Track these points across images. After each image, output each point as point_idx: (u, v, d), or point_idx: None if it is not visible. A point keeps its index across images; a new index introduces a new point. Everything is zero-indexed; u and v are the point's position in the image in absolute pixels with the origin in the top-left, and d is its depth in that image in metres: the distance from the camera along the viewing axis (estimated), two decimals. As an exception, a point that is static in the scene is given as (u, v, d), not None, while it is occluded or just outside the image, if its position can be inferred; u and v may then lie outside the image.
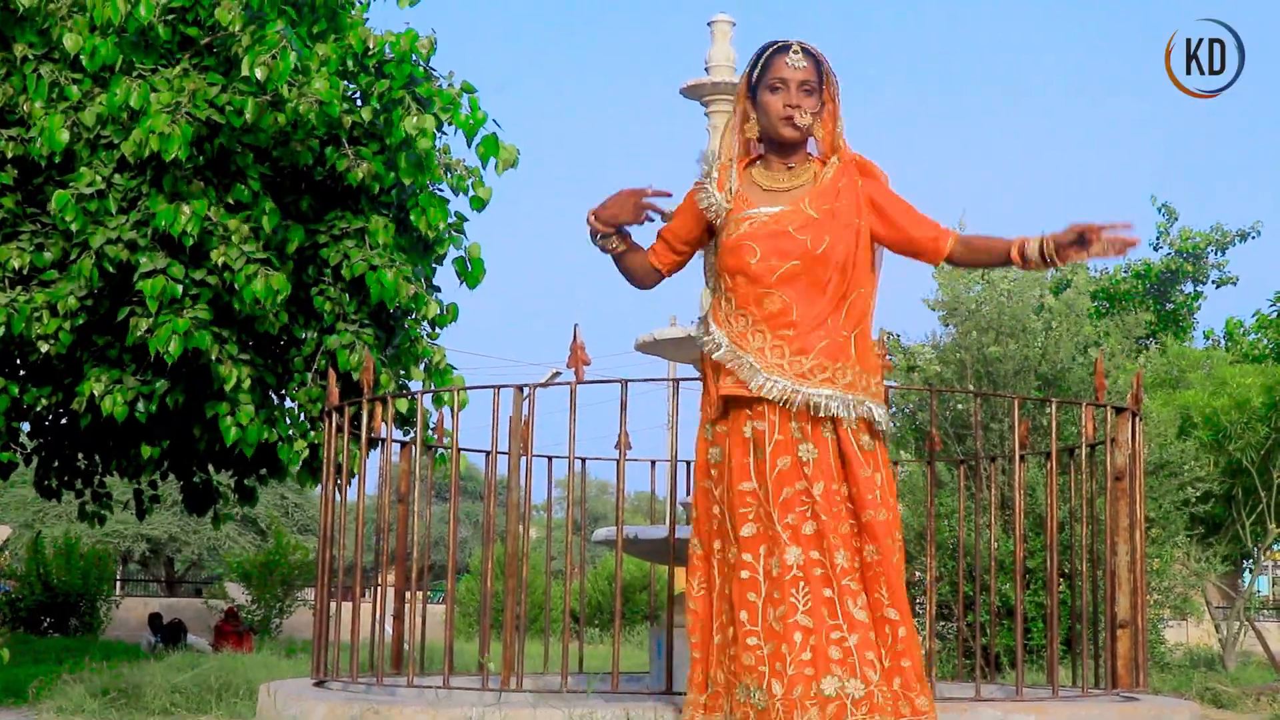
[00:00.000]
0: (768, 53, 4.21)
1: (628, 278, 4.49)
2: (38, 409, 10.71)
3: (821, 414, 4.08)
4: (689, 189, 4.40)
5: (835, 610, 3.97)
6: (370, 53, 9.81)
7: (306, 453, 10.29)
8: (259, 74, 8.82)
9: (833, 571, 3.99)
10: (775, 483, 4.05)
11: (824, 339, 4.11)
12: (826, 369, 4.11)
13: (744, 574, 4.04)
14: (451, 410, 8.87)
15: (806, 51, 4.18)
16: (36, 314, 9.41)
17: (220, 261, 9.20)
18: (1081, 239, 4.10)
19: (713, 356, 4.19)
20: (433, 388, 10.38)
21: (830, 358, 4.12)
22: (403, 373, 10.54)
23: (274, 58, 8.83)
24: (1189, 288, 25.67)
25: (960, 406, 13.34)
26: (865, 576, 4.05)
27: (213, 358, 9.28)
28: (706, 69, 9.55)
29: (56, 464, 11.91)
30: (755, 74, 4.23)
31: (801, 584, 3.97)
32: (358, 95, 10.19)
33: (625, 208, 4.32)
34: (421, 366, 10.66)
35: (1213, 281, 25.70)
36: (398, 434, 9.05)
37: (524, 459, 5.66)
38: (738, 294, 4.18)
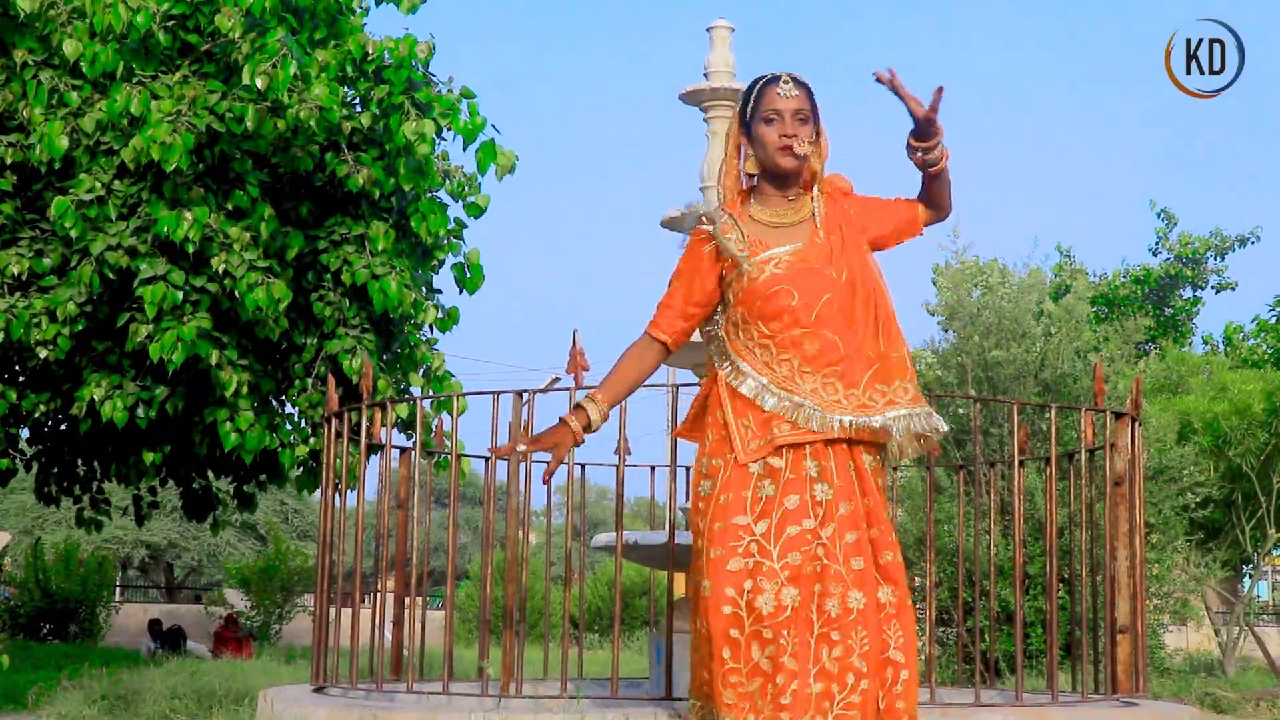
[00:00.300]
0: (759, 86, 4.20)
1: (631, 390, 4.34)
2: (36, 415, 10.71)
3: (896, 435, 4.07)
4: (689, 245, 4.29)
5: (811, 655, 3.95)
6: (369, 58, 9.81)
7: (306, 458, 10.28)
8: (260, 83, 8.83)
9: (819, 616, 3.98)
10: (780, 521, 4.02)
11: (872, 365, 4.10)
12: (885, 393, 4.10)
13: (726, 609, 4.02)
14: (451, 416, 8.87)
15: (797, 81, 4.17)
16: (36, 320, 9.41)
17: (221, 269, 9.20)
18: (916, 125, 4.11)
19: (765, 408, 4.07)
20: (431, 394, 10.37)
21: (885, 381, 4.11)
22: (401, 378, 10.54)
23: (275, 66, 8.83)
24: (1188, 293, 25.68)
25: (960, 411, 13.34)
26: (875, 617, 4.02)
27: (212, 363, 9.28)
28: (705, 74, 9.56)
29: (56, 470, 11.90)
30: (749, 109, 4.21)
31: (791, 627, 3.96)
32: (357, 101, 10.19)
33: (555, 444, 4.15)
34: (420, 373, 10.66)
35: (1212, 287, 25.71)
36: (397, 439, 9.06)
37: (523, 465, 5.67)
38: (776, 339, 4.09)
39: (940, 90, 4.08)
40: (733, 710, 3.98)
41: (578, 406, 4.19)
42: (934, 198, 4.28)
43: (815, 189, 4.24)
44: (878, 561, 4.05)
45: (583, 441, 4.16)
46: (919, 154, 4.14)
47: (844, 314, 4.09)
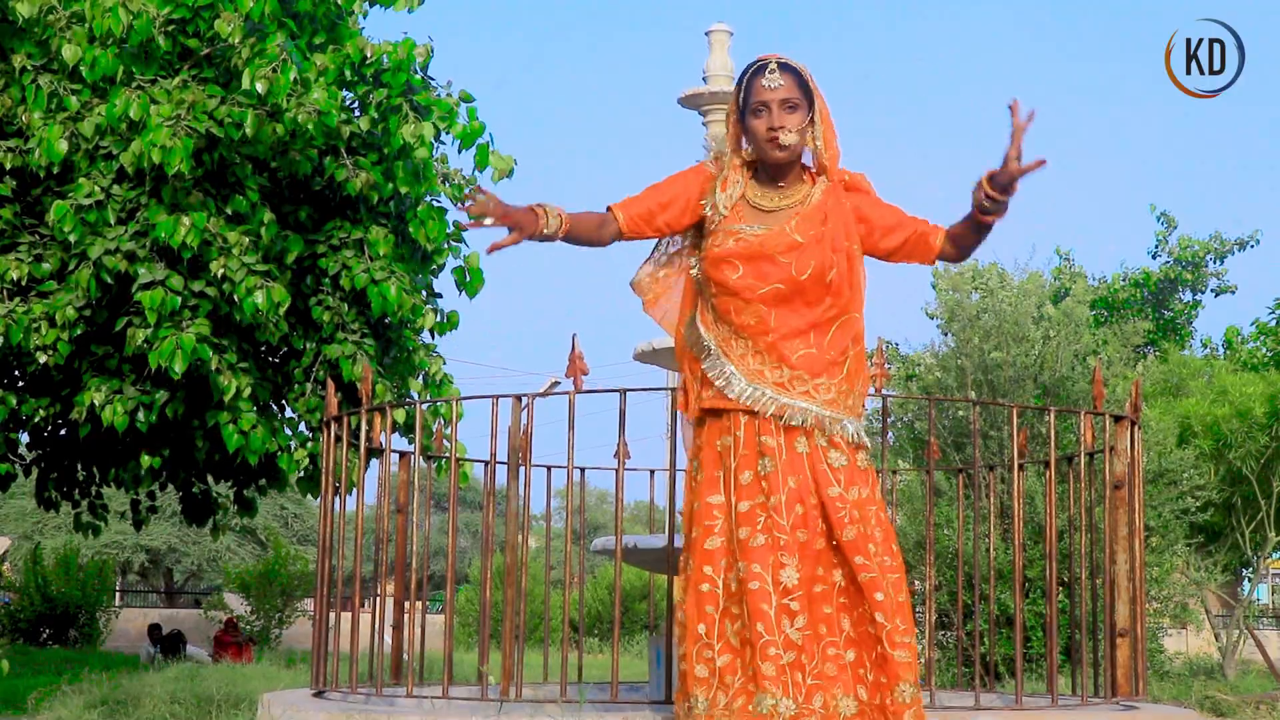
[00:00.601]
0: (747, 76, 4.20)
1: (574, 243, 4.27)
2: (36, 420, 10.71)
3: (793, 424, 4.10)
4: (688, 169, 4.35)
5: (771, 626, 3.97)
6: (368, 62, 9.82)
7: (306, 462, 10.28)
8: (260, 88, 8.84)
9: (774, 589, 3.99)
10: (738, 496, 4.07)
11: (804, 350, 4.13)
12: (806, 382, 4.12)
13: (704, 587, 4.07)
14: (449, 421, 8.87)
15: (784, 67, 4.15)
16: (35, 325, 9.41)
17: (220, 273, 9.20)
18: (1003, 172, 4.05)
19: (702, 363, 4.21)
20: (429, 398, 10.37)
21: (811, 372, 4.13)
22: (400, 383, 10.53)
23: (274, 70, 8.84)
24: (1187, 296, 25.68)
25: (959, 414, 13.35)
26: (840, 598, 4.07)
27: (213, 368, 9.28)
28: (704, 78, 9.57)
29: (55, 475, 11.90)
30: (740, 99, 4.23)
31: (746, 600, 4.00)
32: (356, 105, 10.20)
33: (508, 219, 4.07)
34: (419, 377, 10.65)
35: (1211, 290, 25.71)
36: (397, 444, 9.05)
37: (523, 469, 5.67)
38: (718, 303, 4.21)
39: (1041, 162, 4.00)
40: (703, 685, 4.02)
41: (541, 208, 4.09)
42: (966, 242, 4.26)
43: (820, 179, 4.23)
44: (840, 539, 4.06)
45: (538, 235, 4.07)
46: (988, 200, 4.07)
47: (790, 302, 4.13)
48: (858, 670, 4.02)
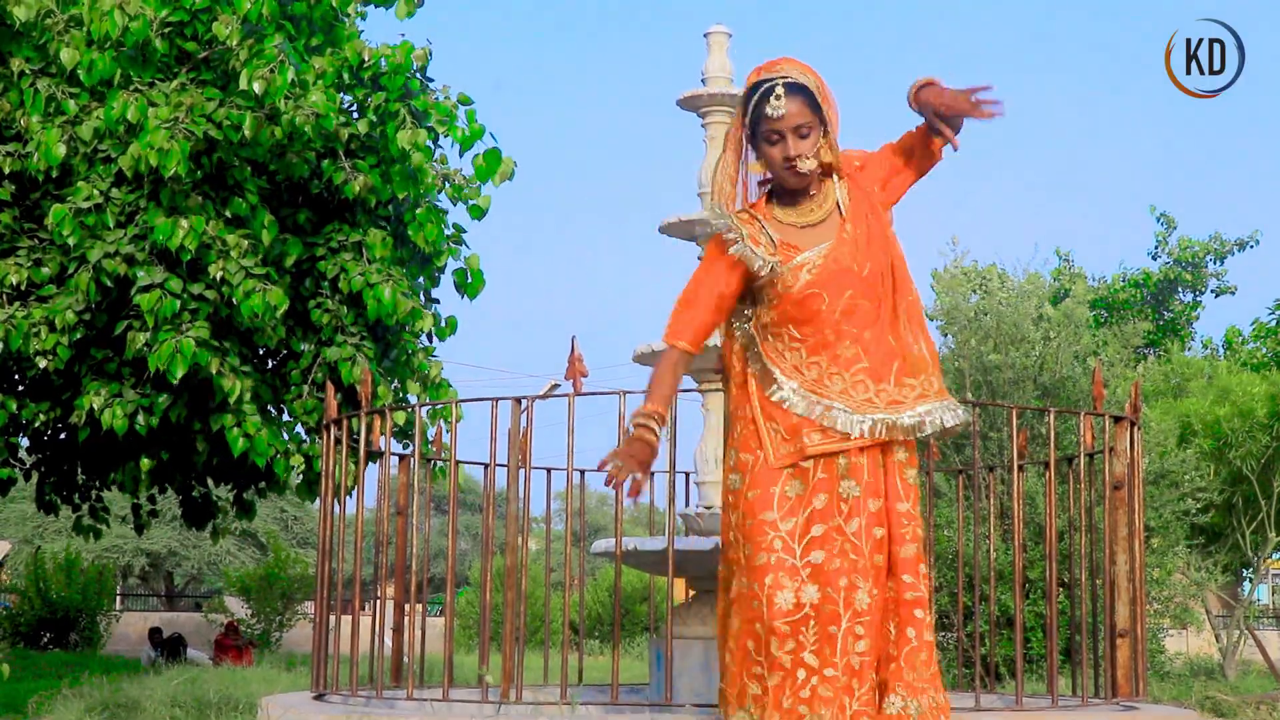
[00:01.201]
0: (756, 99, 4.07)
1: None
2: (36, 424, 10.70)
3: (928, 431, 4.08)
4: (709, 250, 4.20)
5: (836, 649, 3.96)
6: (366, 65, 9.82)
7: (304, 466, 10.27)
8: (256, 88, 8.83)
9: (845, 610, 3.97)
10: (806, 519, 4.02)
11: (895, 359, 4.09)
12: (915, 387, 4.10)
13: (755, 604, 4.02)
14: (448, 423, 8.86)
15: (791, 89, 4.03)
16: (34, 329, 9.40)
17: (219, 276, 9.19)
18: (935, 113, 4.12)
19: (795, 413, 4.06)
20: (429, 401, 10.36)
21: (912, 375, 4.10)
22: (398, 386, 10.53)
23: (272, 71, 8.84)
24: (1187, 297, 25.69)
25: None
26: (885, 610, 4.06)
27: (214, 371, 9.27)
28: (703, 80, 9.55)
29: (55, 479, 11.89)
30: (749, 119, 4.12)
31: (811, 623, 3.96)
32: (354, 108, 10.20)
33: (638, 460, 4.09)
34: (417, 380, 10.63)
35: (1211, 291, 25.73)
36: (396, 447, 9.05)
37: (523, 471, 5.67)
38: (807, 343, 4.08)
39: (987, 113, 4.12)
40: (759, 702, 3.99)
41: (647, 425, 4.09)
42: (926, 167, 4.30)
43: (835, 176, 4.18)
44: (896, 555, 4.07)
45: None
46: (943, 147, 4.21)
47: (868, 310, 4.08)
48: (843, 698, 4.01)
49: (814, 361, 4.08)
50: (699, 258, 6.79)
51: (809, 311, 4.07)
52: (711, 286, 4.15)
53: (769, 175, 4.19)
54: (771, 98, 4.03)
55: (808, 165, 4.06)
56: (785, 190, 4.17)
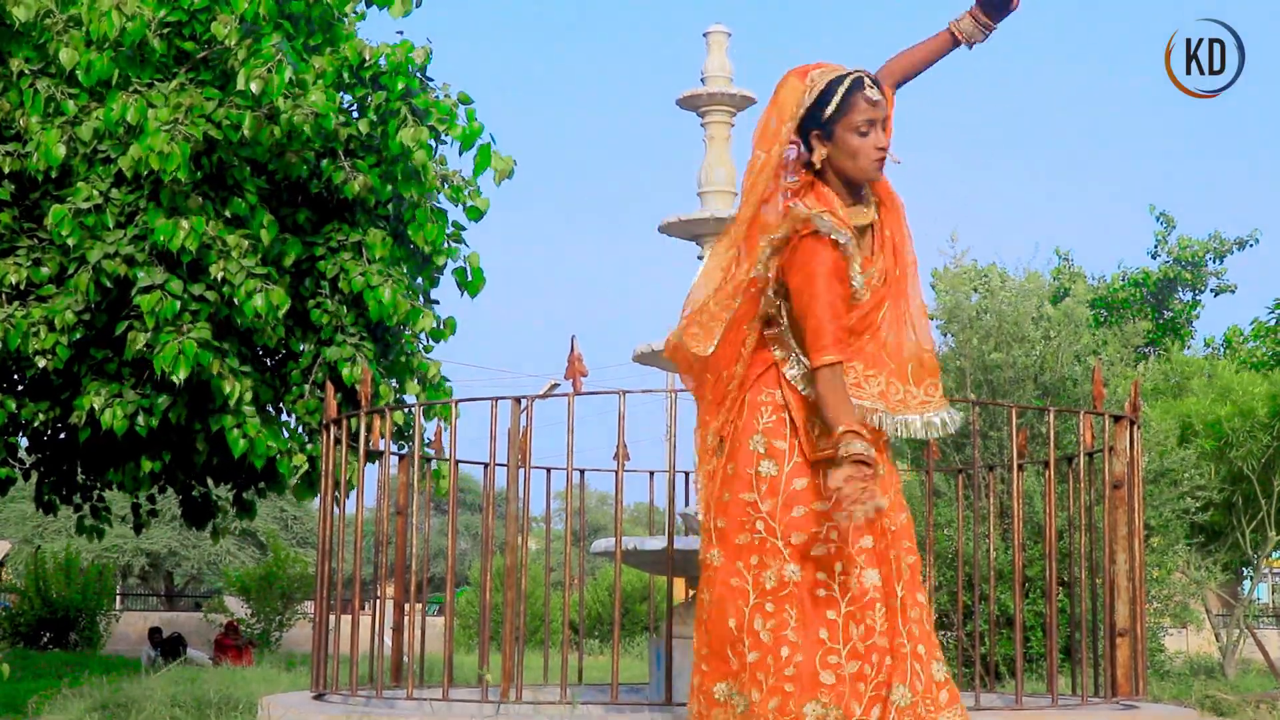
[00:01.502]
0: (844, 89, 3.97)
1: None
2: (35, 424, 10.71)
3: (941, 433, 4.09)
4: (821, 255, 3.93)
5: (837, 634, 3.92)
6: (366, 64, 9.82)
7: (305, 465, 10.27)
8: (254, 87, 8.82)
9: (841, 595, 3.94)
10: (860, 533, 3.95)
11: (910, 362, 4.09)
12: (936, 388, 4.12)
13: (734, 581, 4.00)
14: (448, 423, 8.87)
15: (878, 85, 4.02)
16: (34, 329, 9.40)
17: (219, 276, 9.19)
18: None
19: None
20: (428, 400, 10.36)
21: (932, 376, 4.11)
22: (396, 386, 10.53)
23: (269, 71, 8.83)
24: (1187, 296, 25.69)
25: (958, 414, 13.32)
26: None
27: (214, 372, 9.27)
28: (703, 79, 9.56)
29: (54, 479, 11.90)
30: (831, 111, 3.98)
31: (879, 605, 3.92)
32: (354, 107, 10.20)
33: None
34: (416, 380, 10.63)
35: (1211, 290, 25.73)
36: (395, 446, 9.05)
37: (522, 471, 5.67)
38: (851, 347, 4.00)
39: None
40: (735, 678, 3.95)
41: (853, 438, 3.83)
42: (915, 71, 4.22)
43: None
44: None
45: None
46: (981, 30, 4.13)
47: (894, 315, 4.07)
48: (856, 684, 3.96)
49: (852, 365, 4.02)
50: (699, 257, 6.80)
51: (868, 321, 4.03)
52: (840, 288, 3.96)
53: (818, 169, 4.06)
54: (867, 89, 3.98)
55: (895, 160, 4.03)
56: (836, 190, 4.04)
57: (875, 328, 4.06)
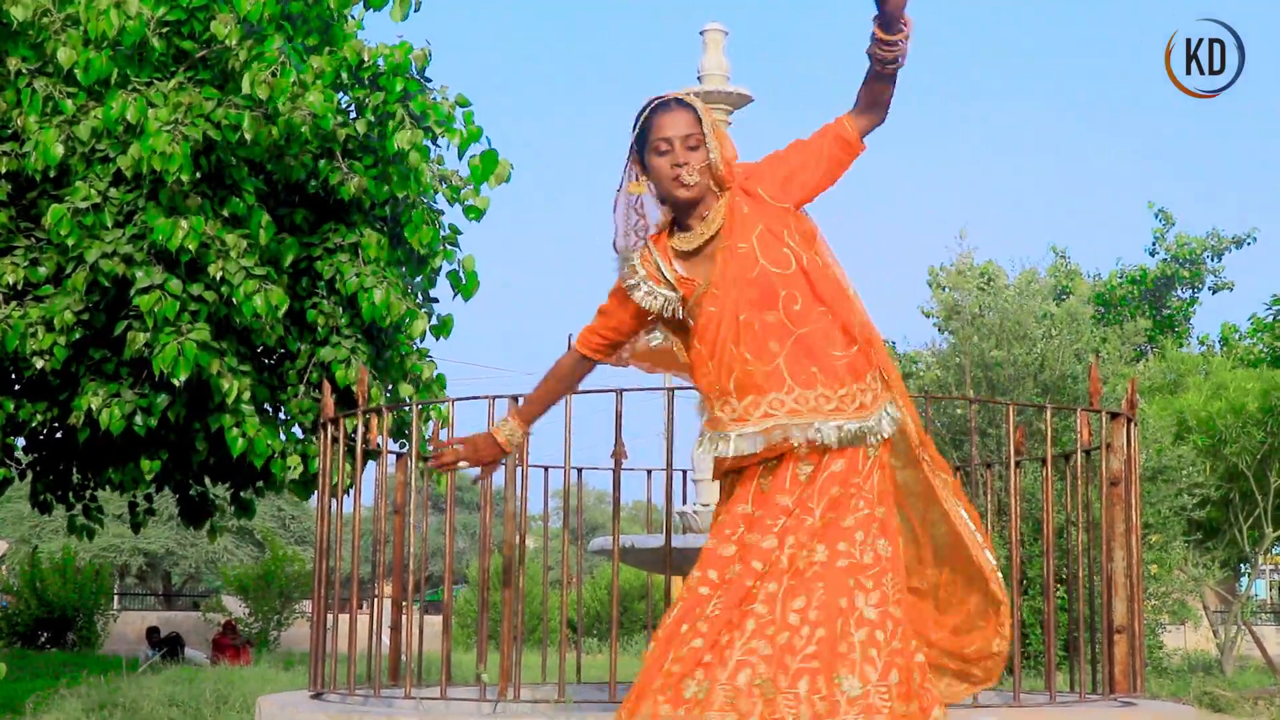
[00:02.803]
0: (645, 115, 3.97)
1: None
2: (33, 424, 10.70)
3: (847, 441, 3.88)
4: (618, 283, 4.09)
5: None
6: (365, 65, 9.81)
7: (300, 465, 10.26)
8: (261, 93, 8.82)
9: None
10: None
11: (813, 365, 3.89)
12: (856, 397, 3.91)
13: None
14: (446, 423, 8.86)
15: (680, 103, 3.96)
16: (31, 329, 9.39)
17: (218, 276, 9.19)
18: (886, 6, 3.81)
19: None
20: (423, 400, 10.35)
21: (840, 383, 3.88)
22: (391, 387, 10.53)
23: (274, 75, 8.83)
24: (1185, 293, 25.73)
25: (957, 412, 13.35)
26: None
27: (213, 372, 9.26)
28: (699, 78, 9.57)
29: (50, 478, 11.89)
30: (634, 137, 4.00)
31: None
32: (352, 108, 10.19)
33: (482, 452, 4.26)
34: (409, 381, 10.62)
35: (1209, 287, 25.77)
36: (393, 446, 9.05)
37: (520, 469, 5.67)
38: (720, 365, 3.95)
39: None
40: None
41: (504, 421, 4.27)
42: (877, 97, 3.99)
43: (724, 193, 3.96)
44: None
45: (510, 452, 4.27)
46: (883, 48, 3.83)
47: (776, 325, 3.87)
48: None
49: (727, 391, 3.95)
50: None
51: (715, 339, 3.91)
52: (615, 311, 4.17)
53: (649, 202, 4.07)
54: (665, 110, 3.95)
55: (692, 177, 3.90)
56: (678, 210, 4.01)
57: (739, 342, 3.89)
